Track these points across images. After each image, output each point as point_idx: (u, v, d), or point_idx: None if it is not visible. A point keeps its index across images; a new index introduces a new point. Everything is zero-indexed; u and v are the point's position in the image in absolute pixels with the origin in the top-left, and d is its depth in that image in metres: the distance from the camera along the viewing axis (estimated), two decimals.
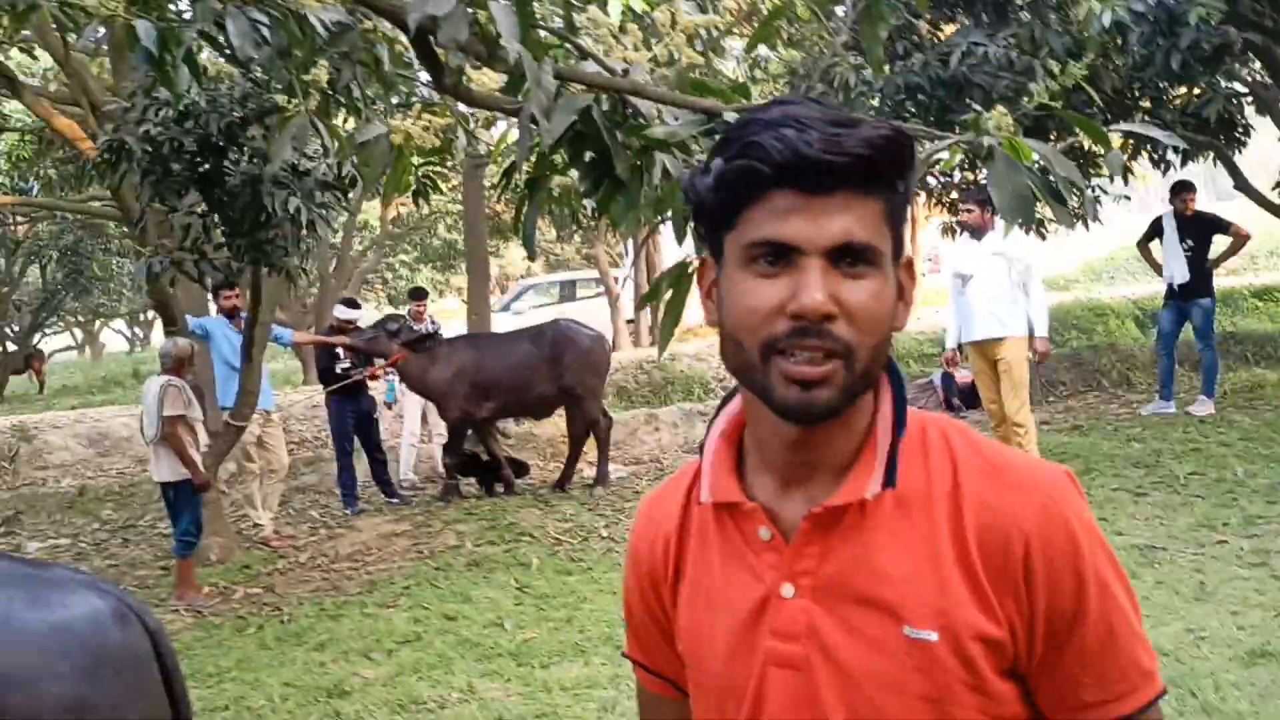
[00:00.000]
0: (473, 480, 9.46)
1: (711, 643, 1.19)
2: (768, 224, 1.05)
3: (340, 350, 9.22)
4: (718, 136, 2.65)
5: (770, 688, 1.14)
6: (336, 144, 3.53)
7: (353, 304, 10.02)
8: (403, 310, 9.97)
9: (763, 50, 11.35)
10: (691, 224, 1.10)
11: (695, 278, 2.60)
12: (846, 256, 1.05)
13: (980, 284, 7.29)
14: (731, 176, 1.06)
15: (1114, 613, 1.10)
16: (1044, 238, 11.58)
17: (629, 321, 18.04)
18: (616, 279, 18.47)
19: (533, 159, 2.79)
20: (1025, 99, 2.20)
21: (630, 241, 19.29)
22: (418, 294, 9.97)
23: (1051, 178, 2.26)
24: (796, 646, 1.12)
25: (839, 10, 11.05)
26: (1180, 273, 9.10)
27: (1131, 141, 9.50)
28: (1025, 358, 7.35)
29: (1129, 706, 1.10)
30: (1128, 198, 13.81)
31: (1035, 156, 2.23)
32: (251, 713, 5.02)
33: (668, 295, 2.54)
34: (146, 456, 7.73)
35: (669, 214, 2.66)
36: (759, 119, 1.07)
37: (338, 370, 9.18)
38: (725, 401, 1.25)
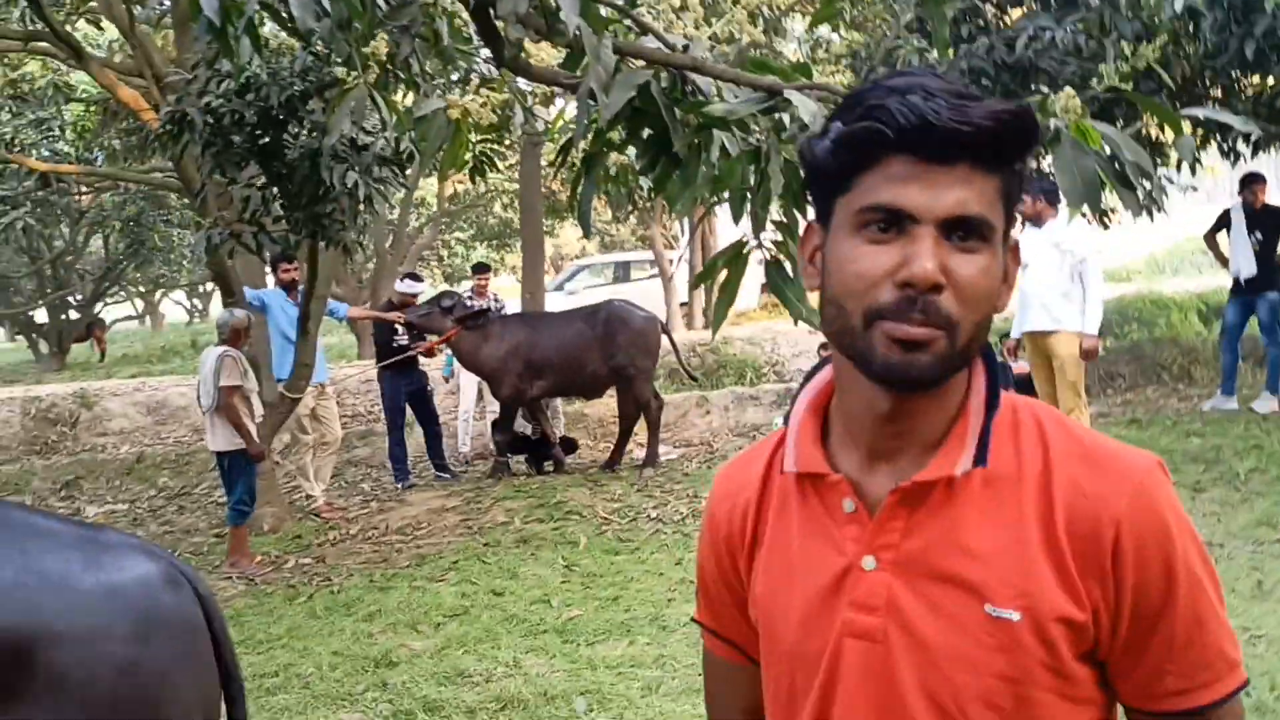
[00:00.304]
0: (523, 458, 9.49)
1: (787, 611, 1.19)
2: (884, 189, 1.04)
3: (398, 326, 9.29)
4: (777, 115, 2.62)
5: (846, 659, 1.14)
6: (394, 118, 3.53)
7: (415, 278, 10.08)
8: (461, 287, 10.00)
9: (824, 31, 11.23)
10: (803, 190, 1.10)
11: (749, 257, 2.58)
12: (959, 229, 1.04)
13: (1035, 274, 7.14)
14: (853, 138, 1.06)
15: (1202, 602, 1.09)
16: (1107, 227, 11.36)
17: (683, 304, 17.99)
18: (671, 261, 18.42)
19: (590, 135, 2.77)
20: (1094, 81, 2.15)
21: (685, 223, 19.24)
22: (481, 269, 10.02)
23: (1119, 163, 2.20)
24: (875, 619, 1.12)
25: None
26: (1248, 266, 8.89)
27: (1200, 131, 9.29)
28: (1077, 354, 7.20)
29: (1213, 695, 1.10)
30: (1195, 189, 13.50)
31: (1103, 141, 2.17)
32: (300, 680, 5.09)
33: (723, 275, 2.52)
34: (203, 426, 7.86)
35: (726, 193, 2.62)
36: (884, 85, 1.06)
37: (394, 345, 9.26)
38: (812, 373, 1.25)
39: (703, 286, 17.53)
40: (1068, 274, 7.10)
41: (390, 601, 6.26)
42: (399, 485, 9.14)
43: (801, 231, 1.19)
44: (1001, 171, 1.06)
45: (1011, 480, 1.11)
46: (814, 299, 1.19)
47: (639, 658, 5.11)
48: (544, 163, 11.14)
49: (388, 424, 9.41)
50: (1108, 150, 2.24)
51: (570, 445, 9.67)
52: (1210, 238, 9.52)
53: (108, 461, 10.45)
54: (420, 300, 9.58)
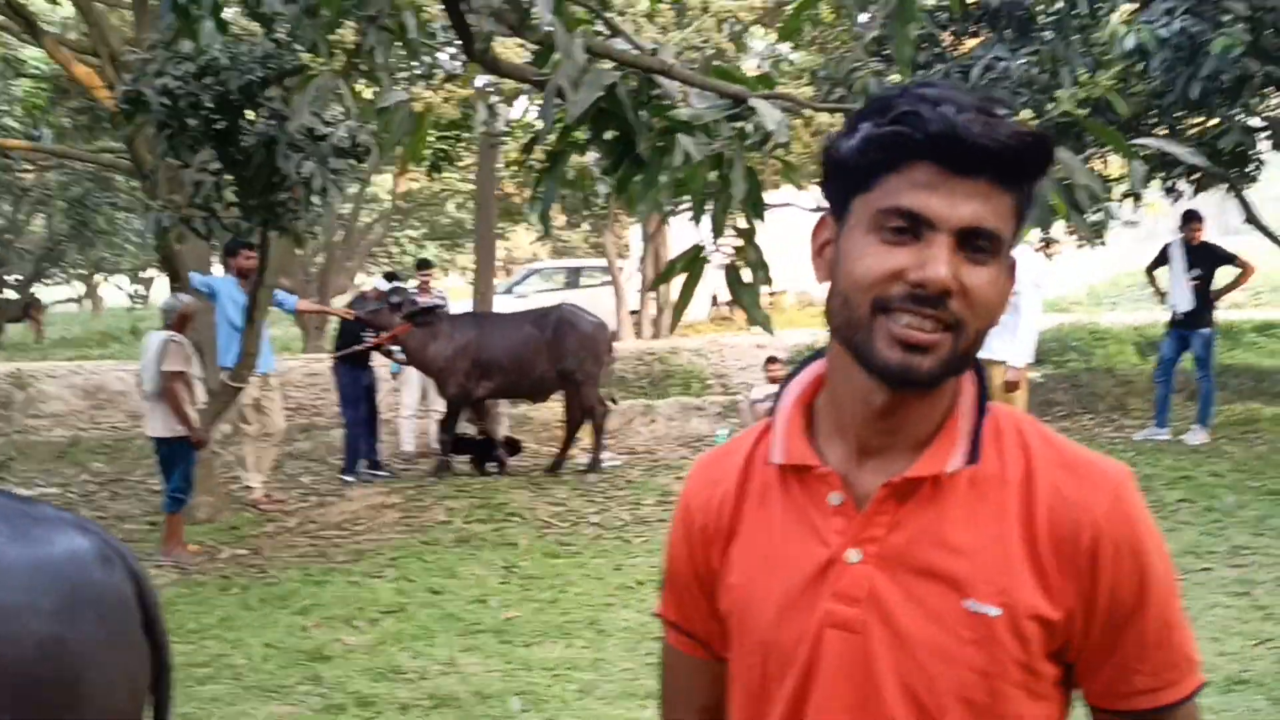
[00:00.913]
0: (466, 458, 9.46)
1: (764, 600, 1.21)
2: (906, 194, 1.08)
3: (357, 320, 9.23)
4: (741, 122, 2.66)
5: (825, 649, 1.16)
6: (358, 108, 3.52)
7: (393, 277, 10.06)
8: (409, 285, 9.95)
9: (783, 49, 11.35)
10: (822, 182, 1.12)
11: (706, 261, 2.62)
12: (974, 240, 1.08)
13: None
14: (882, 141, 1.09)
15: (1170, 606, 1.14)
16: (1050, 257, 11.58)
17: (633, 312, 18.04)
18: (622, 269, 18.45)
19: (555, 133, 2.79)
20: (1051, 105, 2.21)
21: (637, 231, 19.30)
22: (424, 265, 9.99)
23: (1072, 189, 2.26)
24: (856, 610, 1.15)
25: (862, 16, 11.07)
26: (1184, 301, 9.12)
27: (1145, 169, 9.50)
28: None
29: (1177, 694, 1.15)
30: (1135, 223, 13.80)
31: (1057, 166, 2.24)
32: (232, 671, 5.03)
33: (681, 278, 2.55)
34: (140, 411, 7.73)
35: (686, 197, 2.66)
36: (915, 92, 1.09)
37: (363, 341, 9.20)
38: (801, 367, 1.28)
39: (653, 294, 17.61)
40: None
41: (326, 596, 6.20)
42: (347, 479, 9.05)
43: (814, 225, 1.21)
44: (1017, 190, 1.10)
45: (995, 481, 1.15)
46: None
47: (575, 660, 5.12)
48: (501, 163, 11.12)
49: (347, 417, 9.30)
50: (1059, 176, 2.30)
51: (514, 447, 9.66)
52: (1150, 272, 9.74)
53: (41, 444, 10.25)
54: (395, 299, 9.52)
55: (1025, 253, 6.97)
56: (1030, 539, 1.12)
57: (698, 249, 2.48)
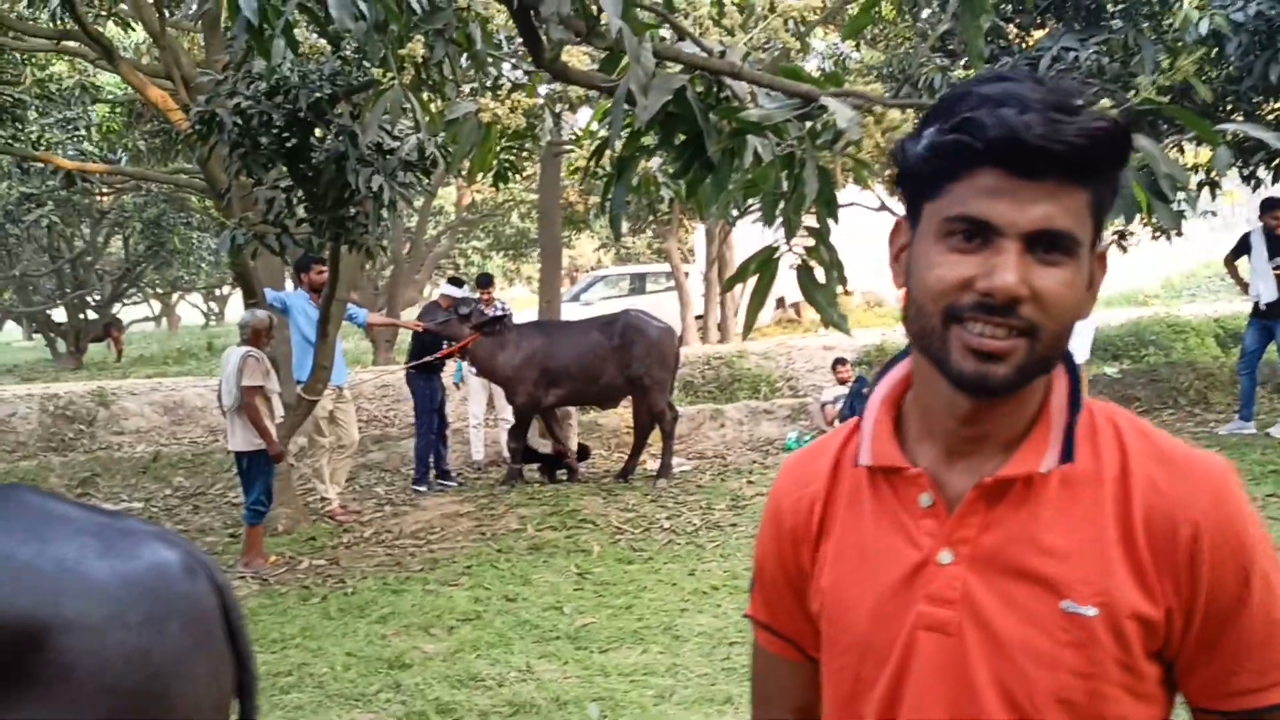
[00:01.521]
0: (535, 466, 9.51)
1: (857, 602, 1.20)
2: (972, 201, 1.06)
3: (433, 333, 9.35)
4: (811, 121, 2.64)
5: (918, 651, 1.15)
6: (427, 119, 3.56)
7: (457, 283, 10.14)
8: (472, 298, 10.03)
9: (844, 47, 11.27)
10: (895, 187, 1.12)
11: (779, 261, 2.60)
12: (1044, 243, 1.06)
13: None
14: (944, 149, 1.08)
15: (1276, 604, 1.11)
16: (1125, 250, 11.36)
17: (698, 317, 18.00)
18: (687, 274, 18.44)
19: (624, 138, 2.79)
20: (1132, 94, 2.16)
21: (702, 237, 19.27)
22: (484, 281, 10.05)
23: (1154, 177, 2.21)
24: (950, 612, 1.13)
25: (924, 11, 10.94)
26: (1268, 291, 8.87)
27: (1230, 155, 9.27)
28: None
29: None
30: (1213, 213, 13.47)
31: (1139, 154, 2.19)
32: (314, 680, 5.10)
33: (754, 280, 2.54)
34: (219, 426, 7.89)
35: (757, 198, 2.64)
36: (978, 92, 1.08)
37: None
38: (888, 367, 1.27)
39: (719, 298, 17.56)
40: None
41: (403, 604, 6.27)
42: (420, 489, 9.15)
43: (890, 229, 1.20)
44: (1093, 184, 1.07)
45: (1090, 479, 1.13)
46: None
47: (652, 666, 5.11)
48: (564, 172, 11.17)
49: (419, 425, 9.41)
50: (1141, 164, 2.25)
51: (584, 453, 9.69)
52: (1230, 262, 9.50)
53: (124, 460, 10.49)
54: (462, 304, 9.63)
55: None
56: (1127, 537, 1.10)
57: (771, 250, 2.46)
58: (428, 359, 9.23)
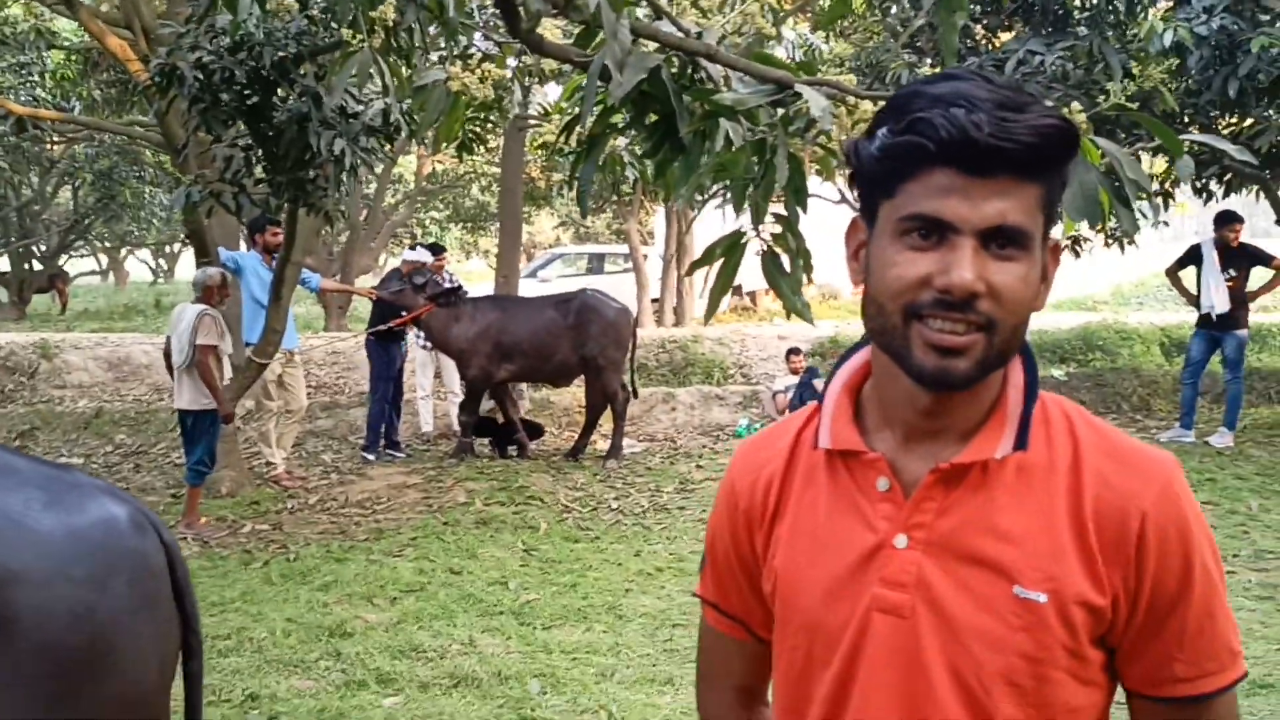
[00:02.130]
0: (486, 441, 9.47)
1: (811, 584, 1.22)
2: (926, 200, 1.08)
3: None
4: (782, 111, 2.64)
5: (872, 633, 1.17)
6: (395, 82, 3.52)
7: (428, 248, 10.01)
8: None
9: (814, 38, 11.29)
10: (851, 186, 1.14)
11: (746, 248, 2.61)
12: (998, 238, 1.08)
13: None
14: (896, 150, 1.10)
15: (1214, 596, 1.15)
16: (1077, 255, 11.52)
17: (654, 300, 17.99)
18: (646, 256, 18.41)
19: (594, 115, 2.78)
20: (1101, 98, 2.18)
21: (661, 219, 19.25)
22: (437, 250, 9.97)
23: (1118, 181, 2.24)
24: (904, 595, 1.16)
25: (893, 8, 10.98)
26: (1221, 302, 9.00)
27: (1193, 165, 9.42)
28: None
29: (1216, 684, 1.15)
30: (1166, 223, 13.67)
31: (1103, 159, 2.21)
32: (253, 644, 5.06)
33: (719, 263, 2.54)
34: (164, 385, 7.77)
35: (727, 182, 2.64)
36: (928, 92, 1.09)
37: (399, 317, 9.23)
38: (848, 355, 1.29)
39: (679, 281, 17.56)
40: None
41: (346, 573, 6.23)
42: (369, 457, 9.07)
43: (847, 227, 1.22)
44: (1044, 179, 1.09)
45: (1043, 468, 1.16)
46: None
47: (595, 644, 5.13)
48: (528, 147, 11.11)
49: (375, 391, 9.28)
50: (1106, 168, 2.28)
51: (536, 431, 9.66)
52: (1173, 273, 9.59)
53: (65, 414, 10.31)
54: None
55: None
56: (1078, 526, 1.13)
57: (738, 234, 2.47)
58: (383, 327, 9.15)
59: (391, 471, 8.70)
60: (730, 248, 2.49)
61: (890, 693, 1.16)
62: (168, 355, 7.15)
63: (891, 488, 1.18)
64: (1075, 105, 2.10)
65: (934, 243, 1.09)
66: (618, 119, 2.91)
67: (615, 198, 15.67)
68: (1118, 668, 1.17)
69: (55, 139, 15.62)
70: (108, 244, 28.61)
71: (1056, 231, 1.21)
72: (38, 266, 22.63)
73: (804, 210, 2.46)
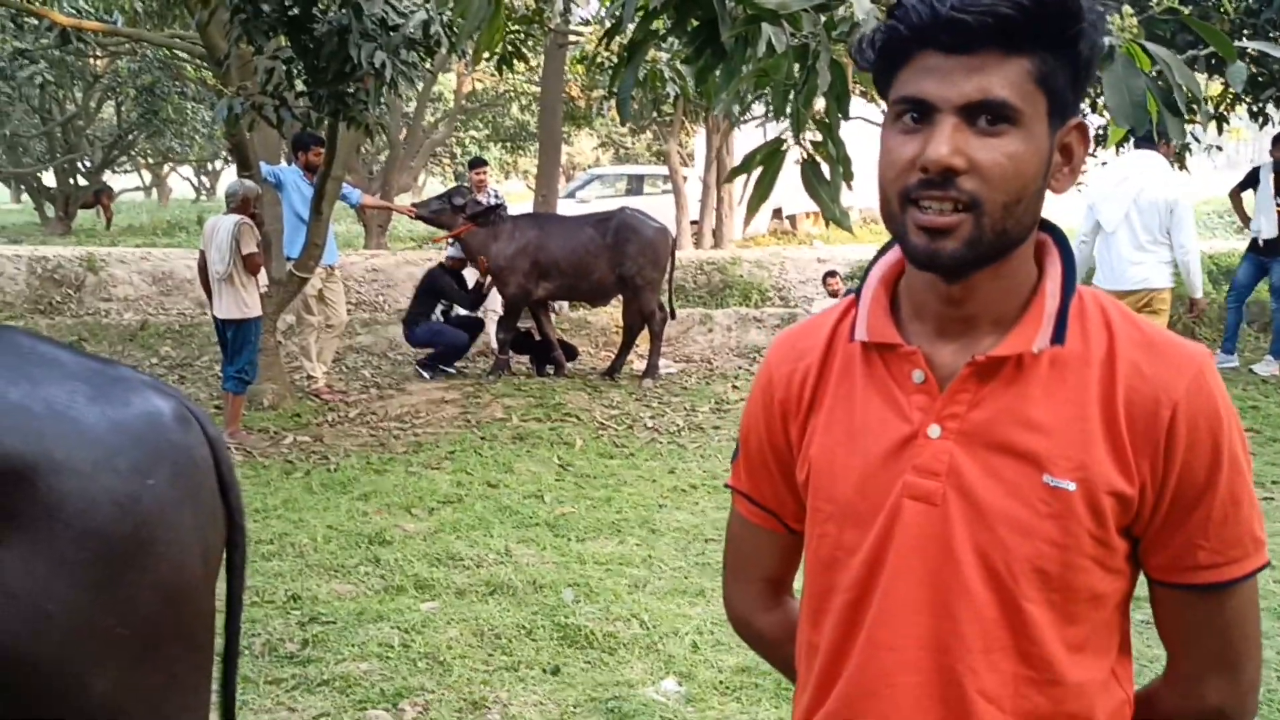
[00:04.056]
0: (525, 358, 9.53)
1: (844, 472, 1.24)
2: (910, 82, 1.11)
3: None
4: (825, 15, 2.60)
5: (903, 519, 1.19)
6: None
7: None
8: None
9: None
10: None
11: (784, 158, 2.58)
12: (984, 114, 1.09)
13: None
14: (882, 41, 1.13)
15: (1240, 484, 1.16)
16: (1183, 166, 10.97)
17: (694, 222, 17.90)
18: (685, 178, 18.27)
19: (635, 21, 2.75)
20: (1154, 2, 2.13)
21: (701, 141, 19.05)
22: (477, 163, 9.95)
23: (1168, 88, 2.19)
24: (935, 483, 1.18)
25: None
26: (1269, 227, 8.83)
27: (1232, 93, 9.19)
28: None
29: (1239, 570, 1.17)
30: (1219, 148, 13.33)
31: (1154, 64, 2.17)
32: (295, 549, 5.18)
33: (757, 173, 2.52)
34: (204, 298, 7.81)
35: (768, 89, 2.61)
36: None
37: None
38: (885, 248, 1.30)
39: (718, 203, 17.44)
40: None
41: (386, 484, 6.34)
42: (425, 375, 9.11)
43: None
44: (1036, 52, 1.09)
45: (1078, 361, 1.17)
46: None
47: (628, 556, 5.20)
48: (567, 65, 11.00)
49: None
50: (1156, 74, 2.23)
51: (571, 352, 9.70)
52: (1235, 194, 9.43)
53: (111, 326, 10.47)
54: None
55: (1157, 165, 6.46)
56: (1109, 416, 1.14)
57: (778, 142, 2.45)
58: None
59: (430, 387, 8.79)
60: (769, 156, 2.47)
61: (918, 578, 1.19)
62: (203, 268, 7.21)
63: (926, 379, 1.20)
64: (1126, 8, 2.06)
65: (922, 125, 1.10)
66: (659, 25, 2.88)
67: (655, 115, 15.48)
68: (1141, 556, 1.19)
69: (98, 53, 15.66)
70: (151, 160, 28.75)
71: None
72: (83, 182, 22.81)
73: (845, 117, 2.43)
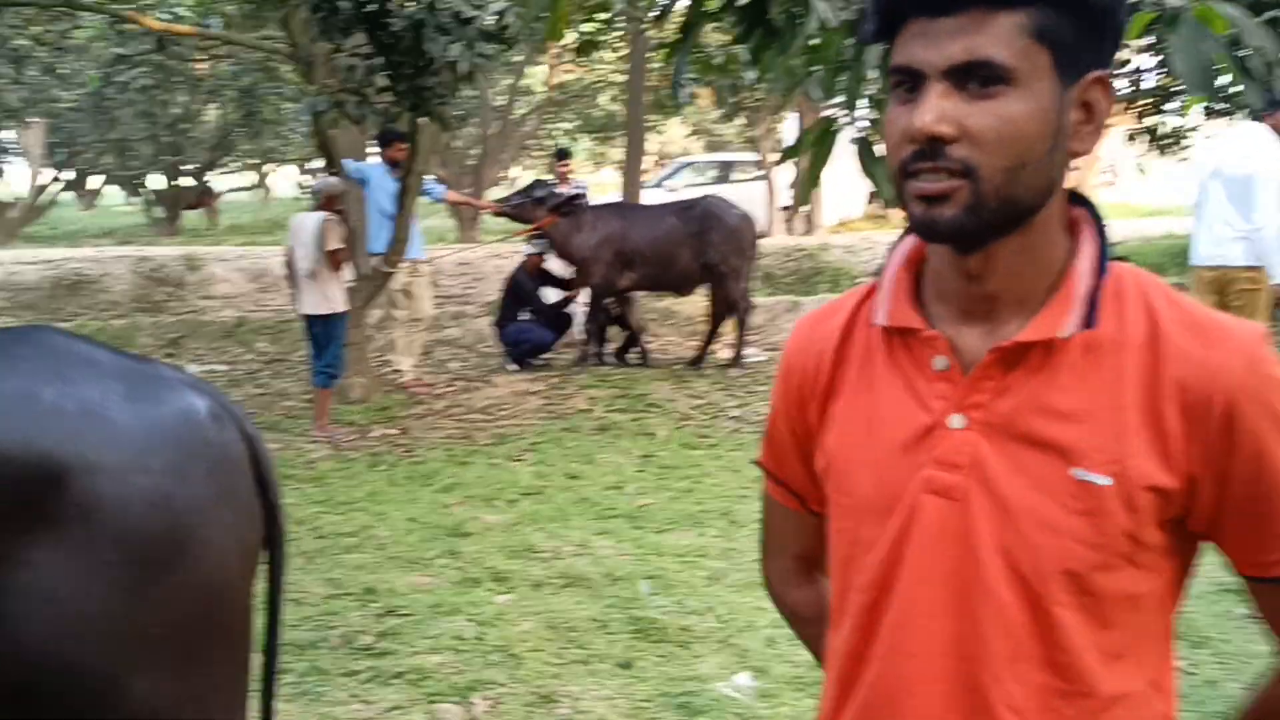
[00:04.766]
0: (609, 348, 9.51)
1: (861, 464, 1.18)
2: (901, 51, 1.07)
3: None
4: None
5: (922, 514, 1.12)
6: None
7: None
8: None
9: None
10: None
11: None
12: (975, 76, 1.03)
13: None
14: (875, 15, 1.09)
15: None
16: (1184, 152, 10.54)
17: (785, 208, 17.71)
18: (776, 163, 18.09)
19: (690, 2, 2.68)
20: None
21: (795, 124, 18.85)
22: (561, 156, 9.98)
23: (1242, 52, 2.05)
24: (957, 477, 1.11)
25: None
26: None
27: None
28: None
29: None
30: None
31: (1229, 27, 2.02)
32: (375, 542, 5.23)
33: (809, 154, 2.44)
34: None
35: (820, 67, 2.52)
36: None
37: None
38: (908, 231, 1.23)
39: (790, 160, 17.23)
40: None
41: (468, 476, 6.38)
42: (510, 368, 9.18)
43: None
44: (1030, 5, 1.02)
45: (1113, 346, 1.08)
46: None
47: (706, 548, 5.15)
48: (653, 54, 10.95)
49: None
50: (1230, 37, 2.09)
51: (635, 338, 9.61)
52: None
53: (210, 323, 10.75)
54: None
55: (1251, 137, 6.11)
56: (1151, 404, 1.06)
57: (829, 121, 2.36)
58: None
59: (515, 379, 8.83)
60: (820, 136, 2.38)
61: (938, 578, 1.11)
62: (289, 265, 7.32)
63: (949, 366, 1.12)
64: None
65: (917, 94, 1.05)
66: (711, 3, 2.80)
67: (734, 100, 15.30)
68: (1223, 551, 1.11)
69: (198, 57, 16.08)
70: (253, 160, 29.46)
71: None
72: (188, 183, 23.49)
73: None
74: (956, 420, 1.11)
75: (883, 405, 1.17)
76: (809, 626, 1.39)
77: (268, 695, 2.15)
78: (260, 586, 2.03)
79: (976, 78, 1.02)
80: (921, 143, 1.03)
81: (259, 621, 2.03)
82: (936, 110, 1.02)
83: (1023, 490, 1.07)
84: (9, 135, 21.84)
